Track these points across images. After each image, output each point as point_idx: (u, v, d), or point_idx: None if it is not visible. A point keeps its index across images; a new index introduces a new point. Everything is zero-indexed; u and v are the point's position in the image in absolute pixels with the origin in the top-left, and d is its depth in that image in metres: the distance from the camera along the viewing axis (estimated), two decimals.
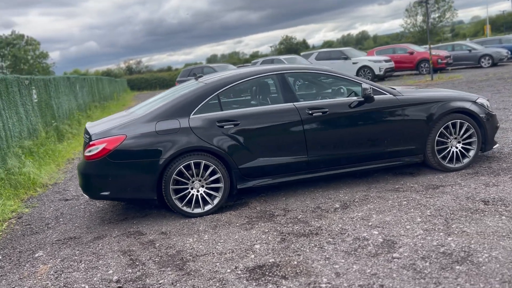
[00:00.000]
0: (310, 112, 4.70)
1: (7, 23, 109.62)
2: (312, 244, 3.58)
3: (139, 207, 5.07)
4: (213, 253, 3.62)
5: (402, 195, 4.54)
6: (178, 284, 3.17)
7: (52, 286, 3.39)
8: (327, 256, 3.34)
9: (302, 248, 3.53)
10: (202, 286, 3.11)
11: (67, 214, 5.27)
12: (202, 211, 4.54)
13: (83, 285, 3.33)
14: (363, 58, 21.63)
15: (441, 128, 5.00)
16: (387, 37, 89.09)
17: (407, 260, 3.15)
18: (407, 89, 5.43)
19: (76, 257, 3.90)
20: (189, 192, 4.53)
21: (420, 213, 4.00)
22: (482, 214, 3.82)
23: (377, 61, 21.00)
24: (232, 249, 3.65)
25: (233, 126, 4.56)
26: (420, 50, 23.31)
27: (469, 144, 5.14)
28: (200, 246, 3.80)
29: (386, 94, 4.97)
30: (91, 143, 4.47)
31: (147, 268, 3.50)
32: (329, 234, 3.75)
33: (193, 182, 4.53)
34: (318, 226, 3.96)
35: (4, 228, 5.03)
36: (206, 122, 4.53)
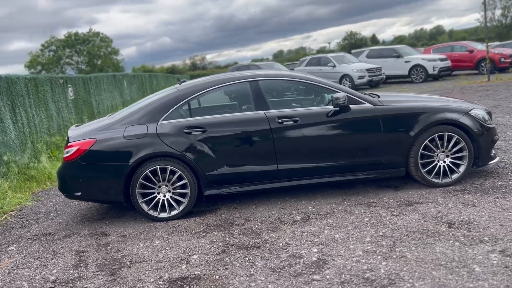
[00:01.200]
0: (280, 121, 4.61)
1: (91, 19, 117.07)
2: (246, 258, 3.53)
3: (119, 208, 5.25)
4: (151, 260, 3.69)
5: (370, 210, 4.33)
6: None
7: (0, 282, 3.63)
8: (252, 272, 3.29)
9: (234, 262, 3.49)
10: None
11: (60, 210, 5.59)
12: (168, 215, 4.63)
13: (23, 283, 3.54)
14: (416, 57, 20.60)
15: (426, 141, 4.69)
16: (465, 32, 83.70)
17: (325, 283, 3.02)
18: (393, 98, 5.14)
19: (37, 254, 4.15)
20: (156, 196, 4.62)
21: (373, 232, 3.80)
22: (437, 238, 3.55)
23: (432, 59, 19.91)
24: (171, 258, 3.70)
25: (200, 133, 4.59)
26: (481, 48, 21.77)
27: (460, 158, 4.77)
28: (144, 252, 3.88)
29: (364, 103, 4.74)
30: (68, 145, 4.71)
31: (86, 270, 3.65)
32: (269, 249, 3.67)
33: (159, 187, 4.62)
34: (266, 239, 3.89)
35: (1, 220, 5.43)
36: (174, 128, 4.60)
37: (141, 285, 3.26)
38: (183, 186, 4.62)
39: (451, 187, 4.77)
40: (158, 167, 4.55)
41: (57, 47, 54.29)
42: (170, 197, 4.64)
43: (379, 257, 3.33)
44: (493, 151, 5.01)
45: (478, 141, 4.74)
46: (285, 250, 3.61)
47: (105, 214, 5.15)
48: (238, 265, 3.44)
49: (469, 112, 4.80)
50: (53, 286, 3.41)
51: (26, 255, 4.15)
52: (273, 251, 3.62)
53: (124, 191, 4.60)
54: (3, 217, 5.58)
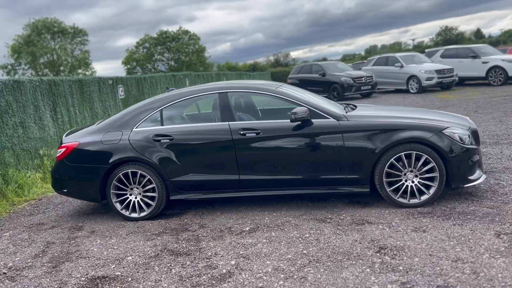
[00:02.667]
0: (242, 132, 4.75)
1: (190, 17, 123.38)
2: (169, 265, 3.77)
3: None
4: (93, 257, 4.08)
5: (318, 226, 4.32)
6: (40, 280, 3.73)
7: None
8: (161, 278, 3.52)
9: (155, 267, 3.75)
10: (46, 286, 3.62)
11: (68, 203, 6.24)
12: (137, 216, 5.01)
13: None
14: (495, 57, 18.93)
15: (392, 159, 4.53)
16: None
17: None
18: (365, 112, 4.98)
19: (19, 241, 4.75)
20: (128, 197, 5.02)
21: (301, 249, 3.82)
22: (353, 263, 3.49)
23: None
24: (110, 257, 4.06)
25: (168, 141, 4.89)
26: None
27: (430, 179, 4.54)
28: (95, 249, 4.30)
29: (328, 118, 4.70)
30: (60, 146, 5.29)
31: (39, 261, 4.14)
32: (194, 257, 3.87)
33: (132, 189, 5.01)
34: (201, 247, 4.09)
35: (18, 207, 6.23)
36: (145, 135, 4.95)
37: (66, 280, 3.66)
38: (152, 190, 4.96)
39: (418, 208, 4.56)
40: (129, 171, 4.95)
41: (150, 44, 58.06)
42: (141, 199, 5.01)
43: (282, 275, 3.38)
44: (478, 172, 4.68)
45: (451, 162, 4.47)
46: (206, 260, 3.78)
47: (99, 209, 5.66)
48: (157, 270, 3.69)
49: (443, 131, 4.53)
50: (5, 272, 3.93)
51: (10, 241, 4.78)
52: (196, 260, 3.82)
53: (101, 191, 5.05)
54: (23, 205, 6.38)
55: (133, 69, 57.76)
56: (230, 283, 3.33)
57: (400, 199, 4.60)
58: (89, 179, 5.05)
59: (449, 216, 4.28)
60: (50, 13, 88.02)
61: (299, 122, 4.66)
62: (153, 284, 3.44)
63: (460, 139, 4.54)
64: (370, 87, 18.84)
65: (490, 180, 5.23)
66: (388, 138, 4.52)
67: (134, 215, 5.02)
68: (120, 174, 4.95)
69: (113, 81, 11.08)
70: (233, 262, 3.69)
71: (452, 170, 4.50)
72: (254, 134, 4.74)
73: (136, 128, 5.02)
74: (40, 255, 4.29)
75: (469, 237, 3.76)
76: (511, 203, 4.44)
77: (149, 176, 4.91)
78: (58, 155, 5.24)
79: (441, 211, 4.43)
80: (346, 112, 4.95)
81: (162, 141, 4.90)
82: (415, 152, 4.49)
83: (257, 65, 62.27)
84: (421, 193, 4.58)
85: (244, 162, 4.78)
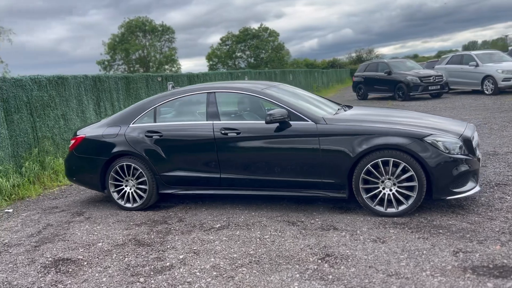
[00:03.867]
0: (223, 132, 4.88)
1: (278, 13, 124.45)
2: (126, 254, 4.03)
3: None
4: (70, 241, 4.47)
5: (284, 229, 4.33)
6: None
7: None
8: (111, 265, 3.79)
9: (113, 255, 4.03)
10: (19, 262, 4.06)
11: (88, 190, 6.80)
12: (131, 206, 5.36)
13: None
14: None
15: (368, 165, 4.39)
16: None
17: (146, 285, 3.37)
18: (351, 115, 4.83)
19: (28, 222, 5.32)
20: (123, 188, 5.40)
21: (251, 250, 3.88)
22: (285, 268, 3.49)
23: None
24: (84, 242, 4.42)
25: (158, 137, 5.17)
26: None
27: (410, 188, 4.33)
28: (78, 233, 4.70)
29: (306, 121, 4.66)
30: (72, 138, 5.82)
31: (29, 240, 4.62)
32: (153, 249, 4.09)
33: (127, 181, 5.38)
34: (167, 240, 4.30)
35: (49, 191, 6.93)
36: (139, 131, 5.28)
37: (36, 258, 4.07)
38: (144, 183, 5.28)
39: (395, 218, 4.37)
40: (124, 163, 5.31)
41: (232, 42, 59.65)
42: (134, 191, 5.35)
43: (214, 273, 3.48)
44: (469, 184, 4.37)
45: (432, 171, 4.22)
46: (160, 253, 3.99)
47: (104, 198, 6.13)
48: (113, 257, 3.97)
49: (424, 138, 4.27)
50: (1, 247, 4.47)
51: (22, 221, 5.37)
52: (152, 251, 4.03)
53: (102, 181, 5.48)
54: (54, 189, 7.07)
55: (215, 66, 59.76)
56: (164, 276, 3.49)
57: (377, 207, 4.44)
58: (91, 169, 5.49)
59: (421, 228, 4.05)
60: (149, 11, 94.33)
61: (277, 124, 4.66)
62: (101, 269, 3.71)
63: (445, 147, 4.25)
64: (439, 87, 17.74)
65: (495, 194, 4.82)
66: (364, 144, 4.37)
67: (128, 205, 5.38)
68: (117, 166, 5.33)
69: (163, 78, 11.70)
70: (181, 257, 3.85)
71: (433, 180, 4.24)
72: (235, 134, 4.83)
73: (132, 124, 5.36)
74: (34, 235, 4.78)
75: (424, 252, 3.55)
76: (497, 220, 4.08)
77: (141, 170, 5.23)
78: (70, 145, 5.76)
79: (417, 222, 4.21)
80: (335, 114, 4.86)
81: (153, 137, 5.18)
82: (392, 159, 4.30)
83: (336, 61, 61.15)
84: (400, 202, 4.37)
85: (224, 161, 4.90)
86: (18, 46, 67.95)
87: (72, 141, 5.71)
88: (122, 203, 5.40)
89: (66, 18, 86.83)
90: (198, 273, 3.48)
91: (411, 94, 17.87)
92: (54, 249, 4.28)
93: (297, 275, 3.32)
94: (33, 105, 7.44)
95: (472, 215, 4.26)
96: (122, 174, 5.34)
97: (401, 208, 4.36)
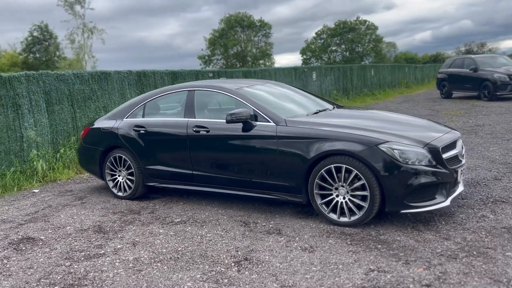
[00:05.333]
0: (195, 129, 5.02)
1: (388, 5, 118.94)
2: (79, 238, 4.38)
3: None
4: (49, 222, 4.95)
5: (230, 228, 4.35)
6: None
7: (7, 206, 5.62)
8: (58, 247, 4.16)
9: (69, 238, 4.41)
10: None
11: None
12: (122, 195, 5.75)
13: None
14: None
15: (322, 171, 4.23)
16: None
17: (31, 260, 3.68)
18: (306, 119, 4.60)
19: (38, 203, 5.97)
20: (116, 178, 5.81)
21: (159, 247, 4.00)
22: (183, 265, 3.55)
23: None
24: (58, 224, 4.87)
25: (143, 132, 5.47)
26: None
27: (364, 198, 4.10)
28: (61, 216, 5.18)
29: (269, 122, 4.60)
30: (83, 129, 6.40)
31: (23, 217, 5.21)
32: (104, 237, 4.39)
33: (120, 171, 5.78)
34: (124, 229, 4.57)
35: (79, 176, 7.65)
36: (129, 125, 5.63)
37: (11, 235, 4.59)
38: (132, 174, 5.63)
39: (347, 228, 4.16)
40: (116, 155, 5.71)
41: (327, 35, 58.78)
42: (125, 181, 5.73)
43: (130, 265, 3.65)
44: (437, 198, 4.03)
45: (385, 181, 3.94)
46: (107, 240, 4.26)
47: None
48: (68, 240, 4.33)
49: (378, 146, 3.99)
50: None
51: (34, 201, 6.04)
52: (101, 239, 4.32)
53: (101, 170, 5.95)
54: (85, 175, 7.78)
55: (308, 60, 59.46)
56: (89, 262, 3.76)
57: (331, 215, 4.26)
58: (92, 159, 5.99)
59: (362, 242, 3.81)
60: (256, 6, 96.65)
61: (241, 124, 4.67)
62: (47, 251, 4.10)
63: (402, 157, 3.93)
64: None
65: (481, 211, 4.33)
66: (318, 148, 4.22)
67: (120, 194, 5.77)
68: (111, 157, 5.75)
69: (214, 74, 12.09)
70: (119, 246, 4.09)
71: (386, 191, 3.95)
72: (205, 132, 4.94)
73: (126, 118, 5.72)
74: (30, 214, 5.38)
75: (340, 266, 3.37)
76: (451, 240, 3.69)
77: (129, 162, 5.58)
78: (81, 136, 6.33)
79: (365, 234, 3.96)
80: (306, 116, 4.74)
81: (139, 131, 5.49)
82: (345, 165, 4.08)
83: (440, 56, 57.02)
84: (353, 212, 4.14)
85: (195, 158, 5.04)
86: (136, 41, 74.18)
87: (82, 132, 6.26)
88: (115, 191, 5.80)
89: (181, 15, 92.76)
90: (117, 263, 3.69)
91: (498, 93, 16.19)
92: (30, 228, 4.79)
93: (198, 276, 3.36)
94: (75, 98, 8.24)
95: (429, 232, 3.89)
96: (116, 165, 5.73)
97: (353, 218, 4.13)
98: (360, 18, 57.69)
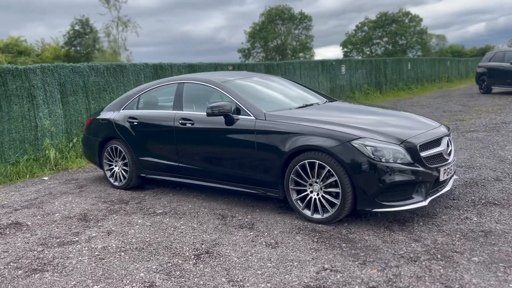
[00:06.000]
0: (181, 122, 5.06)
1: None
2: (62, 225, 4.53)
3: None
4: (42, 209, 5.15)
5: (207, 221, 4.37)
6: None
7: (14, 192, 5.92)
8: (38, 233, 4.33)
9: (52, 224, 4.58)
10: None
11: None
12: (118, 185, 5.89)
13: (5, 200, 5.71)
14: None
15: (297, 166, 4.16)
16: None
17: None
18: (287, 114, 4.49)
19: (42, 189, 6.24)
20: (113, 168, 5.97)
21: (147, 236, 4.06)
22: (144, 256, 3.60)
23: None
24: (48, 211, 5.06)
25: (136, 124, 5.58)
26: None
27: (337, 195, 4.00)
28: (55, 203, 5.38)
29: (249, 116, 4.56)
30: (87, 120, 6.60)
31: (15, 205, 5.47)
32: (86, 225, 4.52)
33: (116, 161, 5.93)
34: (106, 219, 4.69)
35: (89, 165, 7.91)
36: (124, 117, 5.75)
37: (2, 220, 4.83)
38: (127, 165, 5.76)
39: (319, 225, 4.08)
40: (113, 146, 5.85)
41: (369, 27, 57.38)
42: (120, 171, 5.87)
43: (96, 253, 3.74)
44: (415, 198, 3.89)
45: (356, 179, 3.83)
46: (85, 228, 4.39)
47: None
48: (51, 227, 4.50)
49: (350, 142, 3.87)
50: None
51: (39, 188, 6.31)
52: (81, 226, 4.45)
53: (100, 160, 6.13)
54: None
55: (349, 53, 58.34)
56: (60, 249, 3.89)
57: (305, 211, 4.19)
58: (92, 149, 6.17)
59: (329, 240, 3.73)
60: None
61: (222, 117, 4.66)
62: (28, 236, 4.27)
63: (375, 153, 3.79)
64: None
65: (467, 213, 4.13)
66: (292, 143, 4.15)
67: (116, 183, 5.92)
68: (108, 148, 5.90)
69: (234, 67, 12.11)
70: (94, 235, 4.20)
71: (357, 189, 3.84)
72: (190, 125, 4.97)
73: (122, 110, 5.85)
74: (29, 200, 5.62)
75: (295, 264, 3.32)
76: (420, 242, 3.55)
77: (124, 153, 5.71)
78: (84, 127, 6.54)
79: (335, 232, 3.88)
80: (289, 110, 4.67)
81: (133, 123, 5.59)
82: (318, 161, 3.99)
83: (490, 49, 54.25)
84: (325, 209, 4.06)
85: (181, 150, 5.08)
86: (181, 34, 75.35)
87: (86, 122, 6.46)
88: (112, 180, 5.96)
89: (225, 8, 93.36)
90: (84, 251, 3.79)
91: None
92: (23, 214, 5.01)
93: (154, 267, 3.40)
94: (89, 89, 8.50)
95: (401, 233, 3.75)
96: (112, 155, 5.88)
97: (326, 215, 4.04)
98: (404, 10, 55.81)
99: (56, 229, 4.41)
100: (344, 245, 3.59)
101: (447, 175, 4.15)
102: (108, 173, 5.99)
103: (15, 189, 6.35)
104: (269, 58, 60.65)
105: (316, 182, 4.06)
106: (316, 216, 4.10)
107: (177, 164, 5.15)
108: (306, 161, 4.06)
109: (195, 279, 3.15)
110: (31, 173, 7.23)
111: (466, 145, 7.25)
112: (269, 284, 3.01)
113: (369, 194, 3.79)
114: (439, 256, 3.26)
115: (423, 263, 3.17)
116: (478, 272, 2.98)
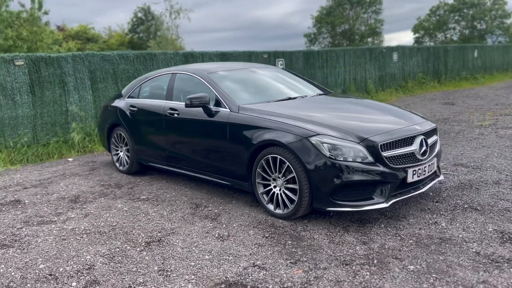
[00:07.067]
0: (169, 112, 5.21)
1: None
2: (53, 205, 4.90)
3: None
4: (46, 189, 5.57)
5: (179, 209, 4.51)
6: None
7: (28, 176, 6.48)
8: (27, 212, 4.73)
9: (43, 204, 4.96)
10: None
11: None
12: (122, 169, 6.21)
13: (12, 182, 6.26)
14: None
15: (262, 160, 4.17)
16: None
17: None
18: (260, 107, 4.43)
19: (59, 169, 6.75)
20: (118, 153, 6.30)
21: (114, 221, 4.28)
22: (103, 240, 3.81)
23: None
24: (49, 191, 5.46)
25: (135, 112, 5.83)
26: None
27: (295, 191, 3.97)
28: (61, 184, 5.79)
29: (225, 108, 4.60)
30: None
31: (26, 184, 5.96)
32: (70, 207, 4.85)
33: (121, 147, 6.25)
34: (93, 201, 5.00)
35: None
36: (126, 105, 6.02)
37: (7, 197, 5.30)
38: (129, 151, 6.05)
39: (280, 221, 4.08)
40: (118, 132, 6.17)
41: (444, 11, 54.00)
42: (124, 157, 6.18)
43: (63, 233, 4.03)
44: (375, 198, 3.78)
45: (312, 176, 3.77)
46: (70, 209, 4.70)
47: None
48: (39, 206, 4.89)
49: (309, 138, 3.80)
50: (10, 185, 5.93)
51: (57, 169, 6.82)
52: (67, 207, 4.78)
53: (109, 145, 6.49)
54: None
55: (421, 38, 55.40)
56: (39, 227, 4.21)
57: (269, 206, 4.19)
58: (102, 134, 6.54)
59: (279, 235, 3.73)
60: None
61: (201, 108, 4.74)
62: (18, 213, 4.66)
63: (332, 151, 3.70)
64: None
65: (441, 217, 3.92)
66: (258, 137, 4.15)
67: (121, 168, 6.25)
68: (114, 134, 6.23)
69: (270, 55, 12.05)
70: (72, 216, 4.50)
71: (312, 186, 3.77)
72: (176, 115, 5.11)
73: (127, 98, 6.12)
74: (41, 180, 6.10)
75: (231, 258, 3.37)
76: (367, 245, 3.44)
77: (126, 139, 6.00)
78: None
79: (290, 228, 3.86)
80: (267, 102, 4.65)
81: (133, 112, 5.84)
82: (279, 156, 3.97)
83: None
84: (286, 205, 4.03)
85: (169, 139, 5.25)
86: (252, 20, 75.68)
87: (101, 109, 6.84)
88: (118, 165, 6.30)
89: None
90: (54, 231, 4.09)
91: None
92: (27, 192, 5.46)
93: (103, 251, 3.60)
94: (119, 76, 8.94)
95: (354, 234, 3.65)
96: (117, 141, 6.20)
97: (286, 211, 4.01)
98: None
99: (45, 209, 4.77)
100: (290, 242, 3.55)
101: (419, 177, 3.92)
102: (115, 158, 6.32)
103: (40, 168, 6.89)
104: (335, 43, 59.24)
105: (279, 177, 4.03)
106: (278, 211, 4.08)
107: (166, 153, 5.32)
108: (269, 155, 4.03)
109: (131, 265, 3.29)
110: (60, 154, 7.79)
111: (491, 142, 6.73)
112: (193, 276, 3.08)
113: (324, 192, 3.70)
114: (375, 261, 3.14)
115: (354, 267, 3.06)
116: (403, 281, 2.84)
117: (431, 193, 4.55)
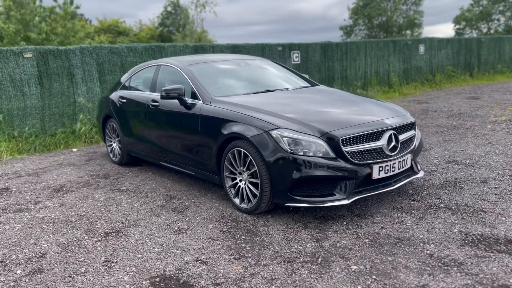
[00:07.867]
0: (151, 104, 5.22)
1: None
2: (38, 193, 5.05)
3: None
4: (38, 178, 5.74)
5: (151, 201, 4.53)
6: None
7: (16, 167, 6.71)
8: (11, 200, 4.88)
9: (29, 192, 5.10)
10: None
11: None
12: (114, 160, 6.32)
13: (15, 170, 6.48)
14: None
15: (229, 154, 4.11)
16: None
17: None
18: (232, 100, 4.33)
19: (59, 159, 6.95)
20: (111, 144, 6.40)
21: (88, 211, 4.34)
22: (69, 230, 3.87)
23: None
24: (40, 180, 5.62)
25: (123, 104, 5.89)
26: None
27: (257, 185, 3.90)
28: (53, 174, 5.95)
29: (199, 100, 4.56)
30: None
31: (21, 172, 6.15)
32: (52, 196, 4.98)
33: (114, 138, 6.34)
34: (76, 190, 5.11)
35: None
36: (117, 97, 6.09)
37: (0, 185, 5.51)
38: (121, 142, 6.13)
39: (245, 215, 4.02)
40: (110, 124, 6.26)
41: (488, 1, 51.61)
42: (117, 147, 6.27)
43: (32, 221, 4.12)
44: (337, 195, 3.65)
45: (271, 170, 3.68)
46: (49, 198, 4.81)
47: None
48: (24, 194, 5.03)
49: (270, 132, 3.70)
50: (12, 173, 6.15)
51: (58, 159, 7.01)
52: (47, 196, 4.89)
53: (104, 136, 6.60)
54: None
55: (462, 30, 53.28)
56: (13, 215, 4.33)
57: (236, 199, 4.14)
58: (99, 125, 6.66)
59: (236, 230, 3.67)
60: None
61: (176, 100, 4.72)
62: (1, 200, 4.82)
63: (291, 145, 3.60)
64: None
65: (408, 217, 3.74)
66: (224, 130, 4.09)
67: (113, 159, 6.35)
68: (108, 125, 6.32)
69: (284, 47, 11.88)
70: (49, 205, 4.61)
71: (272, 181, 3.68)
72: (157, 107, 5.11)
73: (119, 89, 6.19)
74: (38, 169, 6.28)
75: (178, 251, 3.34)
76: (318, 243, 3.33)
77: (118, 131, 6.08)
78: None
79: (251, 223, 3.79)
80: (243, 95, 4.58)
81: (122, 103, 5.90)
82: (243, 150, 3.90)
83: None
84: (250, 200, 3.96)
85: (150, 131, 5.27)
86: (292, 12, 75.06)
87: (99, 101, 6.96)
88: (111, 156, 6.40)
89: None
90: (25, 219, 4.19)
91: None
92: (19, 181, 5.64)
93: (61, 240, 3.65)
94: (127, 69, 9.05)
95: (312, 231, 3.54)
96: (111, 132, 6.29)
97: (250, 205, 3.94)
98: None
99: (27, 197, 4.90)
100: (243, 237, 3.49)
101: (386, 173, 3.75)
102: (109, 149, 6.42)
103: (43, 158, 7.10)
104: (372, 35, 57.92)
105: (244, 171, 3.95)
106: (243, 205, 4.01)
107: (149, 145, 5.34)
108: (235, 149, 3.97)
109: (80, 255, 3.32)
110: (66, 145, 8.00)
111: (498, 139, 6.37)
112: (134, 268, 3.07)
113: (282, 187, 3.61)
114: (319, 260, 3.02)
115: (295, 265, 2.96)
116: (339, 281, 2.72)
117: (410, 191, 4.35)
